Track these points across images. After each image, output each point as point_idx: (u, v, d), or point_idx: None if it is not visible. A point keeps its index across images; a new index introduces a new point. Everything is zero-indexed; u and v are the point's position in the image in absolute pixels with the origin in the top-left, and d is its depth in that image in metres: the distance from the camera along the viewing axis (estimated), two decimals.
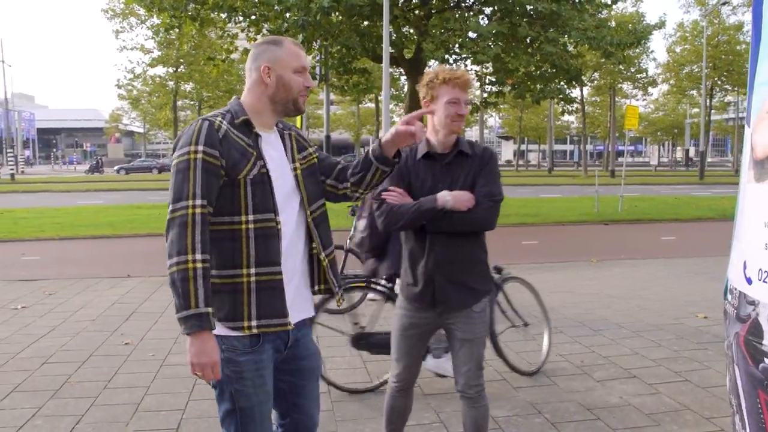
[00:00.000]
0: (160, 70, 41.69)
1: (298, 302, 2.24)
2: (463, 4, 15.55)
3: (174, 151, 2.08)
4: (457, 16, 13.74)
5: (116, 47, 40.17)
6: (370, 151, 2.32)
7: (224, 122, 2.09)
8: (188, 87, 40.08)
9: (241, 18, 14.60)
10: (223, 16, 15.03)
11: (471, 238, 2.78)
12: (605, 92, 46.32)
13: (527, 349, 5.14)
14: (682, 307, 6.63)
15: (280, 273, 2.11)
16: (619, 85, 45.52)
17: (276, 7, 13.00)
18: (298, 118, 26.73)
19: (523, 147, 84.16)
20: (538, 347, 5.03)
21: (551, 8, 12.80)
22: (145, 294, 7.20)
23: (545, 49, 13.04)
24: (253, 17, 15.03)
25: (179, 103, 42.38)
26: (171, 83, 38.16)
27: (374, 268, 4.30)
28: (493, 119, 77.42)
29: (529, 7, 13.69)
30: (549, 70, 14.89)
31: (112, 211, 18.11)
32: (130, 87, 40.07)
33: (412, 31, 16.29)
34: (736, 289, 2.23)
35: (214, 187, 2.02)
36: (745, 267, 2.27)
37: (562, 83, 15.34)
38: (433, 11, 14.99)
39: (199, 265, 1.93)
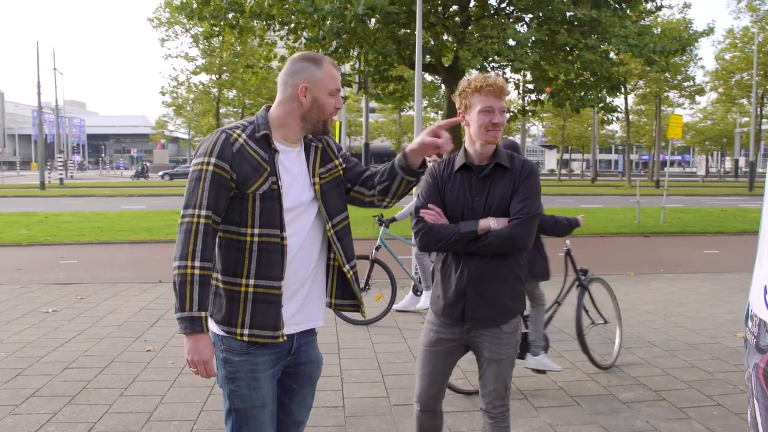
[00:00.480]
0: (203, 78, 42.60)
1: (306, 311, 2.27)
2: (503, 12, 15.38)
3: (194, 158, 2.17)
4: (494, 23, 13.54)
5: (161, 55, 41.44)
6: (395, 161, 2.33)
7: (243, 135, 2.14)
8: (231, 94, 40.76)
9: (278, 26, 14.69)
10: (262, 24, 15.17)
11: (510, 253, 2.66)
12: (651, 101, 45.29)
13: (603, 344, 5.44)
14: (721, 326, 6.33)
15: (279, 288, 2.15)
16: (665, 94, 44.43)
17: (314, 15, 13.03)
18: (336, 125, 26.90)
19: (567, 156, 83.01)
20: (611, 342, 5.34)
21: (591, 15, 12.51)
22: (173, 300, 7.22)
23: (585, 57, 12.74)
24: (291, 25, 15.14)
25: (223, 110, 43.11)
26: (214, 90, 38.83)
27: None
28: (535, 128, 76.60)
29: (568, 14, 13.43)
30: (589, 78, 14.57)
31: (152, 216, 18.43)
32: (174, 94, 40.90)
33: (450, 38, 16.18)
34: (756, 316, 2.06)
35: (222, 199, 2.09)
36: (765, 293, 2.09)
37: (603, 92, 14.98)
38: (472, 18, 14.84)
39: (197, 271, 2.04)
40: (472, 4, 15.58)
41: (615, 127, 67.67)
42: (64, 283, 8.39)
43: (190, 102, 41.53)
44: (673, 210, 19.93)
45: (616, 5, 13.75)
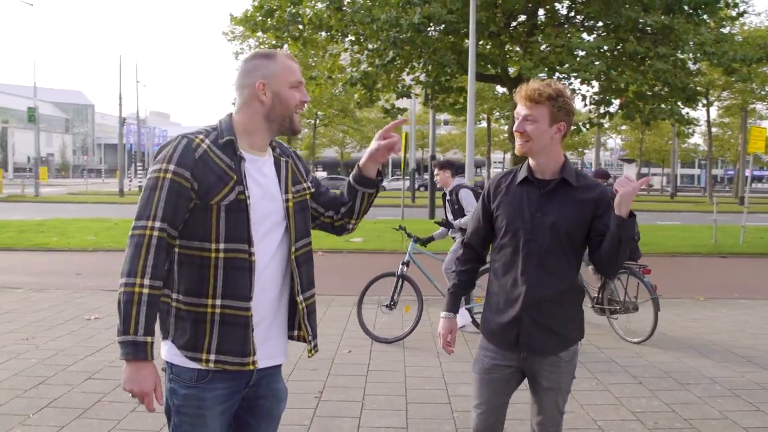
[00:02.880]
0: None
1: (270, 345, 2.08)
2: (572, 20, 14.83)
3: (151, 164, 2.00)
4: (559, 32, 13.02)
5: (235, 68, 42.90)
6: (351, 177, 2.24)
7: (206, 141, 1.97)
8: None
9: (339, 36, 14.69)
10: (324, 35, 15.21)
11: (568, 277, 2.48)
12: (736, 113, 42.91)
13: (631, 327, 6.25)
14: None
15: (248, 309, 1.97)
16: (752, 105, 41.99)
17: (373, 26, 12.93)
18: (403, 137, 26.77)
19: (646, 170, 79.86)
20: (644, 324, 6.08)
21: (663, 22, 11.82)
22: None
23: (656, 66, 12.04)
24: (353, 36, 15.11)
25: None
26: None
27: None
28: (612, 141, 74.15)
29: (641, 21, 12.76)
30: (663, 89, 13.81)
31: None
32: None
33: (517, 49, 15.75)
34: None
35: (180, 210, 1.92)
36: None
37: (677, 103, 14.16)
38: (540, 26, 14.34)
39: (146, 290, 1.86)
40: (541, 12, 15.12)
41: (698, 140, 64.70)
42: (115, 290, 8.48)
43: None
44: (755, 229, 18.60)
45: (691, 11, 12.96)
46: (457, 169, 6.80)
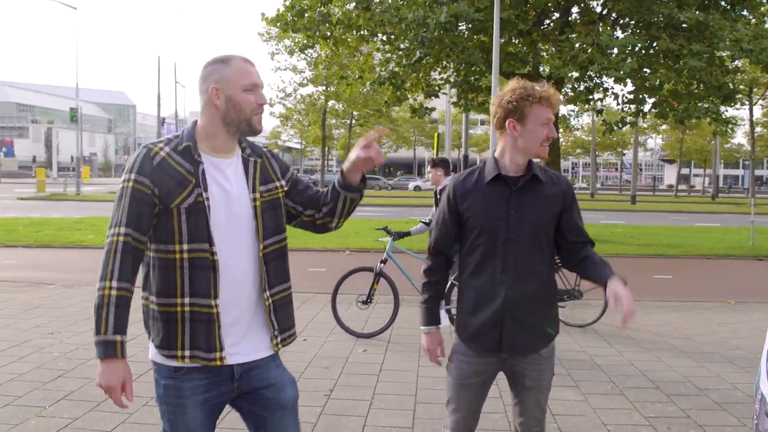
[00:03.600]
0: (310, 89, 43.81)
1: (252, 341, 2.15)
2: (607, 18, 14.56)
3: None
4: (590, 30, 12.79)
5: (270, 68, 43.65)
6: (335, 181, 2.26)
7: (166, 148, 2.07)
8: (339, 106, 41.48)
9: (369, 36, 14.70)
10: (353, 35, 15.24)
11: (546, 273, 2.50)
12: None
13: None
14: None
15: (214, 306, 2.05)
16: None
17: (401, 25, 12.91)
18: (435, 136, 26.60)
19: (687, 171, 78.00)
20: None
21: (697, 18, 11.51)
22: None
23: (690, 64, 11.73)
24: (383, 36, 15.10)
25: (333, 121, 43.97)
26: (321, 101, 39.69)
27: None
28: (653, 141, 72.64)
29: (674, 18, 12.46)
30: (698, 87, 13.46)
31: None
32: (282, 105, 42.21)
33: (550, 47, 15.54)
34: (760, 389, 1.60)
35: (144, 216, 2.01)
36: (767, 358, 1.62)
37: (714, 102, 13.78)
38: (572, 24, 14.11)
39: (114, 292, 1.96)
40: (575, 10, 14.89)
41: (741, 140, 62.89)
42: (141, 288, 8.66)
43: (296, 113, 42.70)
44: None
45: (728, 6, 12.60)
46: (451, 168, 6.93)
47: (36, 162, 74.06)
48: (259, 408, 2.18)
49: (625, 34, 14.23)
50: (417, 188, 53.35)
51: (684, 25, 12.65)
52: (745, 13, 13.50)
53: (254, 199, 2.12)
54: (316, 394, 4.59)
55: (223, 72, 2.07)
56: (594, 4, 14.93)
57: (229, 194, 2.08)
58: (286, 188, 2.24)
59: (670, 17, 12.18)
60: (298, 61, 47.03)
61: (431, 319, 2.63)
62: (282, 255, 2.20)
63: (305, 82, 38.54)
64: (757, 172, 45.31)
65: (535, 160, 2.48)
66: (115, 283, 1.96)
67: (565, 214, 2.47)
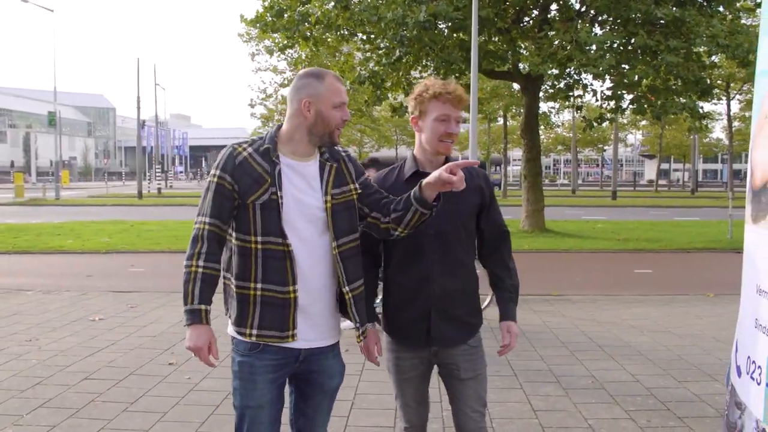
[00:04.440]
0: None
1: (319, 329, 2.37)
2: (585, 15, 14.66)
3: None
4: (567, 27, 12.89)
5: (251, 69, 43.30)
6: (412, 193, 2.34)
7: (249, 149, 2.30)
8: None
9: (348, 35, 14.69)
10: (334, 34, 15.21)
11: (469, 266, 2.58)
12: None
13: None
14: None
15: (287, 292, 2.27)
16: None
17: (380, 24, 12.91)
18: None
19: (667, 166, 78.83)
20: None
21: (674, 14, 11.63)
22: (218, 310, 7.21)
23: (667, 59, 11.85)
24: (363, 36, 15.10)
25: None
26: None
27: None
28: (632, 137, 73.37)
29: (657, 14, 12.58)
30: (676, 83, 13.60)
31: None
32: (262, 106, 42.04)
33: (529, 44, 15.63)
34: (731, 381, 1.62)
35: (225, 208, 2.27)
36: (736, 349, 1.64)
37: (692, 97, 13.93)
38: (550, 21, 14.20)
39: (200, 270, 2.25)
40: (553, 7, 14.99)
41: (720, 134, 63.68)
42: (121, 291, 8.59)
43: (277, 114, 42.56)
44: None
45: (704, 2, 12.75)
46: (380, 167, 6.98)
47: (14, 167, 72.91)
48: (308, 387, 2.44)
49: (603, 30, 14.36)
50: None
51: (661, 22, 12.79)
52: (721, 9, 13.67)
53: (326, 201, 2.31)
54: None
55: (317, 88, 2.26)
56: (572, 1, 15.06)
57: (303, 194, 2.28)
58: (360, 191, 2.41)
59: (648, 13, 12.32)
60: (278, 61, 46.78)
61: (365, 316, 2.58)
62: (357, 253, 2.40)
63: (286, 82, 38.39)
64: (736, 167, 45.86)
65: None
66: (201, 262, 2.24)
67: (484, 207, 2.57)
